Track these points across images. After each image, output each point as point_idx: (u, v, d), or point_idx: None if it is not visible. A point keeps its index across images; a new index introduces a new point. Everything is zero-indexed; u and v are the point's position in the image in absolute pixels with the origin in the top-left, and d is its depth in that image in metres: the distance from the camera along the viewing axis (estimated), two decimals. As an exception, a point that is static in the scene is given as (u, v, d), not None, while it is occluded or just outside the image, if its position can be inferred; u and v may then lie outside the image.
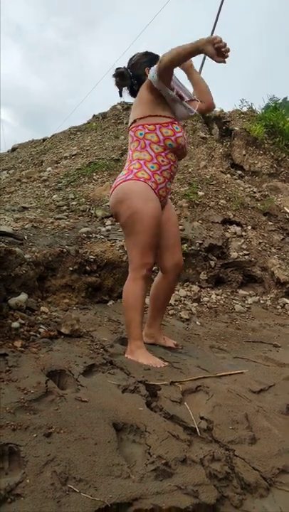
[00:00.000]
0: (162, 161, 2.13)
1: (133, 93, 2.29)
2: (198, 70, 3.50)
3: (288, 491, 1.22)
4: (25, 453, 1.09)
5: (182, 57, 1.99)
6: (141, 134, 2.13)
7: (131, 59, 2.29)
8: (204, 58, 7.47)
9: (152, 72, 2.05)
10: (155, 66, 2.04)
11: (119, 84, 2.29)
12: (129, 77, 2.24)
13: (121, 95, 2.33)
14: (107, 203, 4.16)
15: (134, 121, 2.17)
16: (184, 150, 2.22)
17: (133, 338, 2.05)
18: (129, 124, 2.23)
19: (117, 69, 2.27)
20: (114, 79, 2.28)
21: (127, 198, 2.07)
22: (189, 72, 2.32)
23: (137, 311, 2.05)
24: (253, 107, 7.47)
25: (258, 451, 1.36)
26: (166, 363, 1.99)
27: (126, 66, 2.28)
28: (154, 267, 2.25)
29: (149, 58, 2.24)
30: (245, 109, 7.26)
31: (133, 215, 2.04)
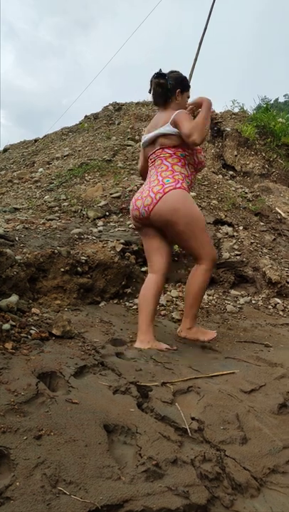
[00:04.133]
0: (192, 179, 2.57)
1: (162, 100, 2.55)
2: (191, 70, 3.51)
3: (279, 490, 1.22)
4: (15, 456, 1.09)
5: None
6: (182, 155, 2.48)
7: (173, 71, 2.55)
8: (195, 60, 7.51)
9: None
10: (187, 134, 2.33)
11: (158, 94, 2.52)
12: (167, 90, 2.49)
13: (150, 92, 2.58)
14: (99, 204, 4.15)
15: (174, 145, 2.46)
16: None
17: (195, 319, 2.50)
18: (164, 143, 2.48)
19: (161, 77, 2.48)
20: (154, 83, 2.50)
21: (184, 206, 2.34)
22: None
23: (202, 297, 2.49)
24: (245, 108, 7.52)
25: (249, 451, 1.36)
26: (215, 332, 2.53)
27: (166, 75, 2.50)
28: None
29: (184, 84, 2.56)
30: (236, 109, 7.32)
31: (194, 220, 2.36)
